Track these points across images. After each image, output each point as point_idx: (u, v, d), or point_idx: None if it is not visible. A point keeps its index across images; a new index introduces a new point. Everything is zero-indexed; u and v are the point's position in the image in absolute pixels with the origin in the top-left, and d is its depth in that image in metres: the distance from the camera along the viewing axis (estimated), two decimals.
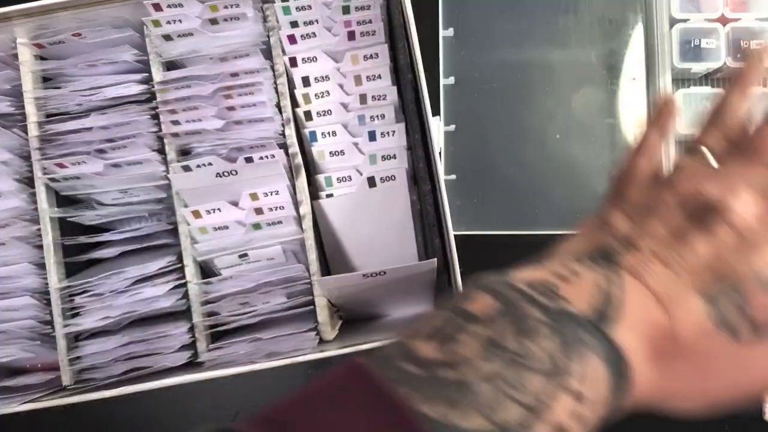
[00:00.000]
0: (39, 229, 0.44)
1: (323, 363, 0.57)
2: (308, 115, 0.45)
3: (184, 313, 0.44)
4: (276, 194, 0.43)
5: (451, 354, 0.21)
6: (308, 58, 0.44)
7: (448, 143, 0.57)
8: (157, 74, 0.44)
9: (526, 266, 0.26)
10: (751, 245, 0.24)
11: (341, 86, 0.45)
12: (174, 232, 0.45)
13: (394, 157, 0.44)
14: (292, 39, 0.44)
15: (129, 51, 0.44)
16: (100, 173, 0.43)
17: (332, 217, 0.45)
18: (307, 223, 0.43)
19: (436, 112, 0.56)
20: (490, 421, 0.19)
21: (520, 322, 0.22)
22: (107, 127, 0.43)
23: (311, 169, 0.46)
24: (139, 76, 0.44)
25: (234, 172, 0.42)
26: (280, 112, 0.44)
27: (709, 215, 0.25)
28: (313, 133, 0.45)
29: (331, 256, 0.47)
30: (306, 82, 0.45)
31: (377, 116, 0.45)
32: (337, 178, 0.44)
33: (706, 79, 0.57)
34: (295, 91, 0.45)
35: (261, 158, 0.42)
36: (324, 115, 0.45)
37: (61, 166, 0.43)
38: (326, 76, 0.45)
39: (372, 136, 0.44)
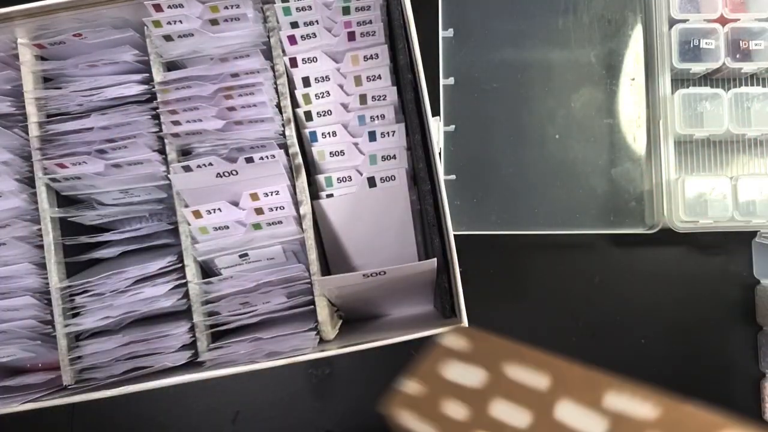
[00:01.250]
0: (40, 229, 0.44)
1: (323, 362, 0.57)
2: (308, 115, 0.45)
3: (185, 313, 0.44)
4: (276, 194, 0.43)
5: None
6: (308, 59, 0.45)
7: (447, 143, 0.57)
8: (158, 74, 0.44)
9: None
10: None
11: (341, 87, 0.45)
12: (174, 232, 0.45)
13: (394, 157, 0.44)
14: (292, 39, 0.44)
15: (129, 51, 0.44)
16: (101, 173, 0.43)
17: (332, 217, 0.45)
18: (307, 223, 0.44)
19: (435, 112, 0.56)
20: None
21: None
22: (108, 127, 0.43)
23: (311, 169, 0.46)
24: (139, 77, 0.44)
25: (234, 172, 0.42)
26: (281, 112, 0.44)
27: None
28: (313, 134, 0.45)
29: (331, 256, 0.47)
30: (306, 82, 0.45)
31: (377, 116, 0.45)
32: (338, 178, 0.45)
33: (706, 79, 0.57)
34: (296, 91, 0.45)
35: (261, 158, 0.42)
36: (324, 115, 0.45)
37: (61, 166, 0.43)
38: (326, 77, 0.45)
39: (372, 137, 0.45)
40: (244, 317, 0.43)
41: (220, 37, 0.44)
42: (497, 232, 0.56)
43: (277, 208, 0.43)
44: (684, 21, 0.54)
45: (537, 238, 0.57)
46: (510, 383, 0.30)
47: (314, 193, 0.45)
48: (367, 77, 0.45)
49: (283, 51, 0.45)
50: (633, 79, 0.58)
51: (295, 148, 0.44)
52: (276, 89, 0.44)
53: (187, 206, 0.44)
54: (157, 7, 0.42)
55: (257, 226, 0.43)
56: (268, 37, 0.45)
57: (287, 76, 0.45)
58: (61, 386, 0.43)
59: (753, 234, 0.57)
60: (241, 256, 0.44)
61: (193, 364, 0.43)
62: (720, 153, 0.57)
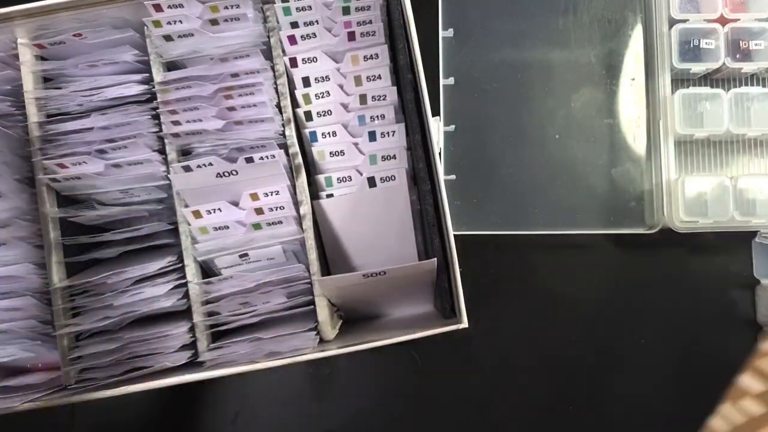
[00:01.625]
0: (40, 229, 0.44)
1: (323, 362, 0.57)
2: (308, 115, 0.45)
3: (185, 313, 0.44)
4: (276, 194, 0.43)
5: None
6: (308, 59, 0.45)
7: (448, 143, 0.57)
8: (158, 74, 0.44)
9: None
10: None
11: (341, 87, 0.45)
12: (174, 232, 0.45)
13: (394, 157, 0.44)
14: (292, 39, 0.44)
15: (129, 51, 0.44)
16: (101, 173, 0.43)
17: (332, 217, 0.45)
18: (307, 223, 0.44)
19: (435, 112, 0.56)
20: None
21: None
22: (108, 127, 0.43)
23: (311, 169, 0.46)
24: (139, 77, 0.44)
25: (234, 172, 0.42)
26: (281, 112, 0.44)
27: None
28: (313, 134, 0.45)
29: (331, 256, 0.47)
30: (306, 82, 0.45)
31: (377, 116, 0.45)
32: (338, 178, 0.45)
33: (706, 79, 0.57)
34: (296, 91, 0.45)
35: (261, 158, 0.43)
36: (324, 115, 0.45)
37: (61, 166, 0.43)
38: (326, 77, 0.45)
39: (372, 137, 0.45)
40: (244, 317, 0.43)
41: (220, 37, 0.44)
42: (497, 232, 0.56)
43: (277, 208, 0.43)
44: (684, 21, 0.54)
45: (537, 238, 0.57)
46: None
47: (314, 193, 0.45)
48: (367, 77, 0.45)
49: (283, 51, 0.45)
50: (633, 79, 0.58)
51: (295, 148, 0.44)
52: (276, 89, 0.44)
53: (187, 206, 0.44)
54: (157, 7, 0.42)
55: (257, 226, 0.43)
56: (268, 37, 0.45)
57: (287, 76, 0.45)
58: (61, 386, 0.43)
59: (753, 234, 0.57)
60: (241, 256, 0.44)
61: (193, 364, 0.43)
62: (720, 153, 0.57)
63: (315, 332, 0.42)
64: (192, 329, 0.43)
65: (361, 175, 0.44)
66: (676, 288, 0.57)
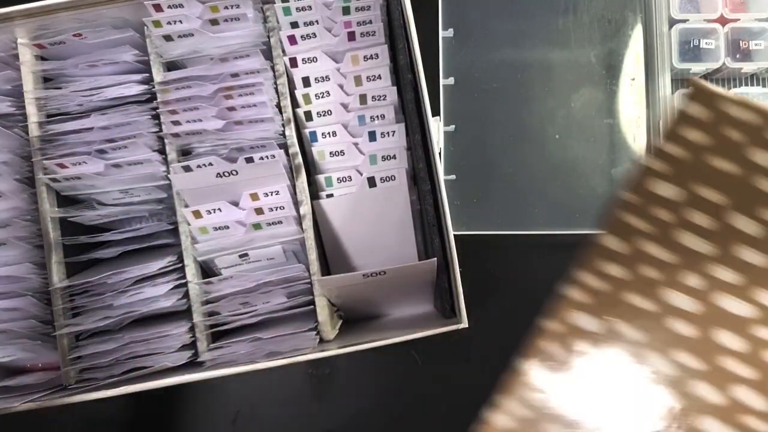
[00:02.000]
0: (40, 229, 0.44)
1: (323, 362, 0.57)
2: (308, 115, 0.45)
3: (185, 313, 0.44)
4: (276, 194, 0.43)
5: None
6: (308, 59, 0.45)
7: (448, 143, 0.57)
8: (158, 74, 0.44)
9: None
10: None
11: (341, 86, 0.45)
12: (174, 232, 0.45)
13: (394, 157, 0.44)
14: (292, 39, 0.44)
15: (129, 51, 0.44)
16: (101, 173, 0.43)
17: (332, 217, 0.45)
18: (307, 223, 0.44)
19: (435, 112, 0.56)
20: None
21: None
22: (108, 127, 0.43)
23: (311, 169, 0.46)
24: (139, 77, 0.44)
25: (234, 172, 0.42)
26: (281, 112, 0.44)
27: None
28: (313, 134, 0.45)
29: (331, 256, 0.47)
30: (306, 82, 0.45)
31: (377, 116, 0.45)
32: (338, 178, 0.45)
33: (706, 79, 0.57)
34: (296, 91, 0.45)
35: (261, 158, 0.43)
36: (324, 115, 0.45)
37: (61, 166, 0.43)
38: (326, 77, 0.45)
39: (372, 137, 0.45)
40: (244, 317, 0.43)
41: (220, 37, 0.44)
42: (497, 232, 0.56)
43: (277, 208, 0.43)
44: (684, 21, 0.54)
45: (537, 238, 0.57)
46: None
47: (314, 193, 0.45)
48: (367, 77, 0.45)
49: (283, 51, 0.45)
50: (633, 79, 0.58)
51: (295, 148, 0.44)
52: (276, 89, 0.44)
53: (187, 206, 0.44)
54: (157, 7, 0.42)
55: (257, 226, 0.43)
56: (268, 37, 0.45)
57: (287, 76, 0.45)
58: (61, 386, 0.43)
59: None
60: (241, 256, 0.44)
61: (193, 364, 0.43)
62: None
63: (315, 332, 0.42)
64: (192, 329, 0.43)
65: (361, 175, 0.44)
66: None
